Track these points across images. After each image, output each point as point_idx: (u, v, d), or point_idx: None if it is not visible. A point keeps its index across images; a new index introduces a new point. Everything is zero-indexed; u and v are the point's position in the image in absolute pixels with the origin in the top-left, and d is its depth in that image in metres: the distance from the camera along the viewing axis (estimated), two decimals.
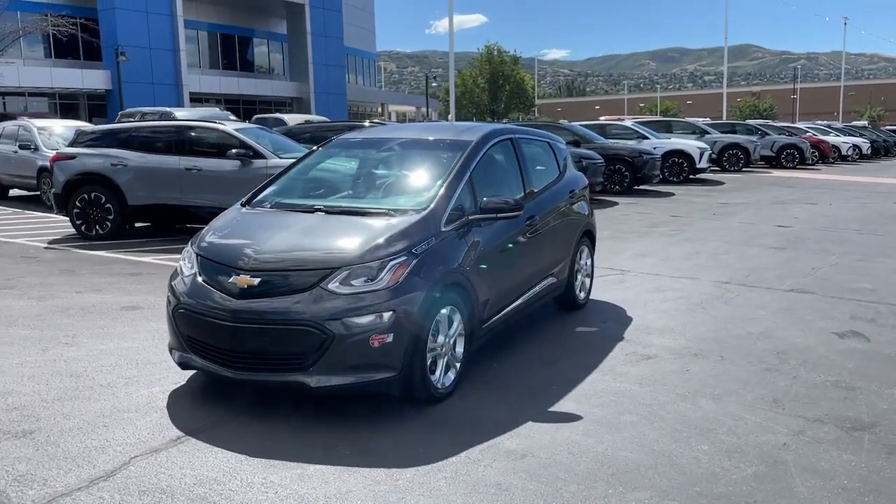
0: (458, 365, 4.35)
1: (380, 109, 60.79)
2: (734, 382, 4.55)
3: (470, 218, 4.52)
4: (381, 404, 4.08)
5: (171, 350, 4.25)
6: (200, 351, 4.00)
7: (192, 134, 10.25)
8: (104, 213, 9.96)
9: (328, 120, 21.40)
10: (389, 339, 3.77)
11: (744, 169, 24.23)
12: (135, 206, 9.89)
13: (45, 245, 9.74)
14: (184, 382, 4.42)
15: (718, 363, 4.94)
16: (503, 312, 4.89)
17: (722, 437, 3.74)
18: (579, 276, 6.31)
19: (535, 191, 5.53)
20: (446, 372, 4.26)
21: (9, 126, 15.36)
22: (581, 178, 6.55)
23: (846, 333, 5.62)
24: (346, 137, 5.60)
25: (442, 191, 4.48)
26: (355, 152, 5.40)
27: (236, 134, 9.81)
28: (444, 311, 4.15)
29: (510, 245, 4.97)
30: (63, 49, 39.23)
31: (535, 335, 5.59)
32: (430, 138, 5.28)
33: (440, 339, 4.15)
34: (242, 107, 47.91)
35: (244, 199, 4.86)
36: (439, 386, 4.16)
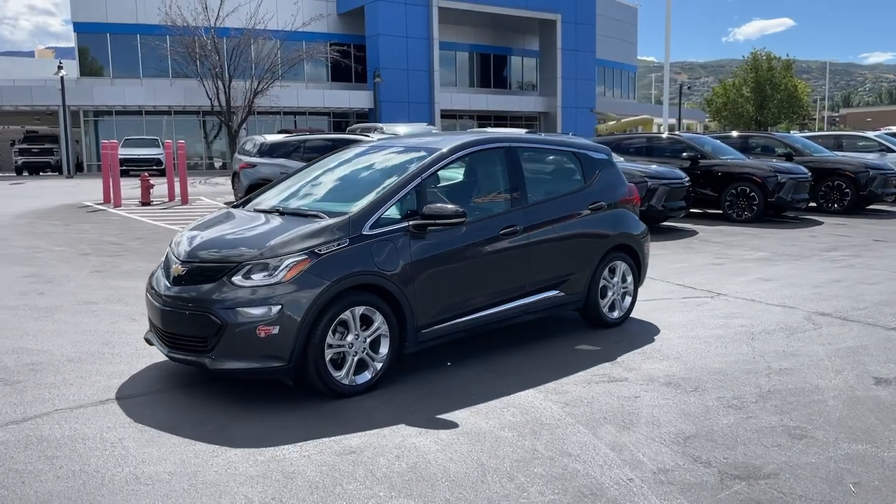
0: (378, 365, 4.52)
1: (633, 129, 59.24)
2: (669, 416, 4.13)
3: (410, 223, 4.65)
4: (298, 392, 4.40)
5: None
6: (152, 329, 4.67)
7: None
8: None
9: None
10: (275, 330, 4.10)
11: None
12: None
13: None
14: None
15: (680, 395, 4.49)
16: (458, 321, 4.92)
17: (558, 467, 3.50)
18: (609, 294, 6.01)
19: (529, 201, 5.42)
20: (361, 370, 4.46)
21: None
22: (620, 191, 6.20)
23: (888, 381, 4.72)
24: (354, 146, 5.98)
25: (373, 196, 4.68)
26: (346, 158, 5.71)
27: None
28: (356, 310, 4.36)
29: (474, 253, 4.98)
30: (339, 73, 44.27)
31: (521, 348, 5.48)
32: (402, 147, 5.44)
33: (349, 337, 4.36)
34: (494, 122, 50.04)
35: (238, 202, 5.47)
36: (346, 382, 4.37)
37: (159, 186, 19.35)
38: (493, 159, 5.45)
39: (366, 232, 4.48)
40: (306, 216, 4.69)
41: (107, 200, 18.29)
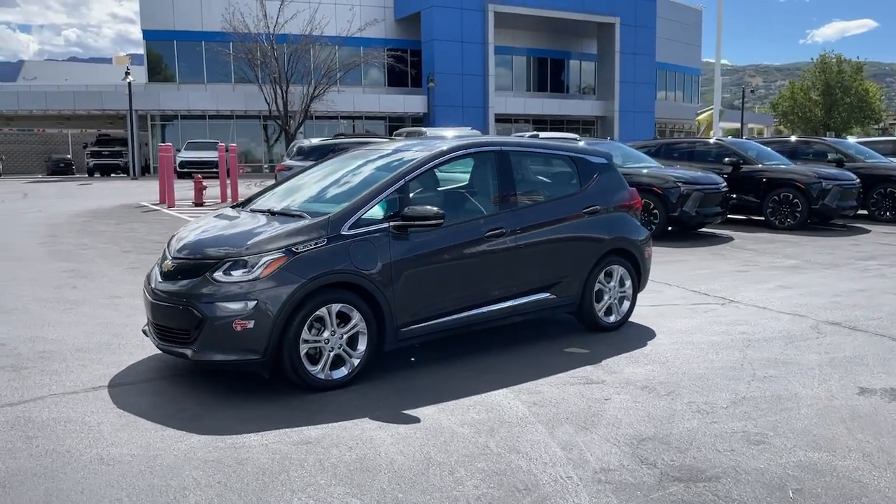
0: (355, 362, 4.67)
1: (696, 126, 58.18)
2: (632, 418, 4.15)
3: (391, 224, 4.79)
4: (279, 385, 4.58)
5: None
6: (148, 322, 4.94)
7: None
8: None
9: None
10: (251, 325, 4.30)
11: None
12: None
13: None
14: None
15: (651, 399, 4.49)
16: (440, 321, 5.03)
17: (503, 463, 3.57)
18: (606, 298, 6.03)
19: (519, 204, 5.49)
20: (338, 366, 4.62)
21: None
22: (619, 196, 6.20)
23: (874, 392, 4.62)
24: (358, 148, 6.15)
25: (354, 198, 4.83)
26: (347, 161, 5.88)
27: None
28: (332, 307, 4.52)
29: (458, 255, 5.08)
30: (395, 78, 44.89)
31: (508, 348, 5.55)
32: (395, 151, 5.56)
33: (325, 334, 4.53)
34: (550, 127, 49.83)
35: (239, 202, 5.70)
36: (322, 377, 4.54)
37: (212, 188, 20.02)
38: (482, 163, 5.55)
39: (344, 232, 4.64)
40: (292, 216, 4.88)
41: (162, 201, 19.04)
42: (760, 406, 4.34)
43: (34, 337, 5.79)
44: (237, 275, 4.40)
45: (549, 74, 51.81)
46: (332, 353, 4.58)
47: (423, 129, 19.79)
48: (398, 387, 4.70)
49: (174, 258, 4.69)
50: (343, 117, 43.43)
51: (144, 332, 5.03)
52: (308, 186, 5.55)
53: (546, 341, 5.80)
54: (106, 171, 41.37)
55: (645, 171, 12.57)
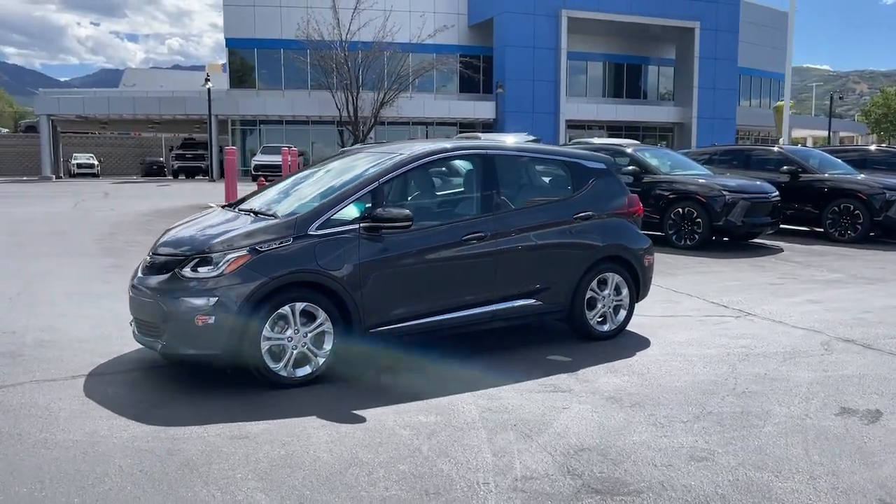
0: (320, 360, 4.73)
1: (780, 134, 55.75)
2: (582, 428, 4.05)
3: (361, 225, 4.83)
4: (245, 378, 4.69)
5: None
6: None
7: None
8: None
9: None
10: (211, 320, 4.42)
11: None
12: None
13: None
14: None
15: (611, 410, 4.37)
16: (412, 323, 5.03)
17: (426, 466, 3.54)
18: (599, 306, 5.89)
19: (502, 208, 5.43)
20: (302, 364, 4.69)
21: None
22: (616, 202, 6.03)
23: (854, 412, 4.35)
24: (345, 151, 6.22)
25: (324, 200, 4.90)
26: (334, 162, 5.94)
27: None
28: (295, 306, 4.60)
29: (432, 258, 5.08)
30: (467, 84, 45.06)
31: (489, 353, 5.50)
32: (381, 153, 5.58)
33: (288, 332, 4.61)
34: (625, 133, 48.97)
35: (230, 202, 5.85)
36: (284, 374, 4.62)
37: None
38: (464, 167, 5.53)
39: (312, 232, 4.71)
40: (267, 216, 4.99)
41: (228, 201, 19.73)
42: (723, 422, 4.16)
43: (45, 327, 6.11)
44: (203, 271, 4.53)
45: (625, 80, 50.89)
46: (295, 352, 4.65)
47: (479, 134, 19.78)
48: (360, 387, 4.74)
49: (152, 254, 4.88)
50: (414, 123, 43.90)
51: (130, 324, 5.24)
52: (298, 187, 5.65)
53: (531, 348, 5.71)
54: (190, 174, 43.29)
55: (690, 178, 12.20)
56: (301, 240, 4.67)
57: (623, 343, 5.89)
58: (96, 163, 48.23)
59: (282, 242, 4.62)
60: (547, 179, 6.05)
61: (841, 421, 4.19)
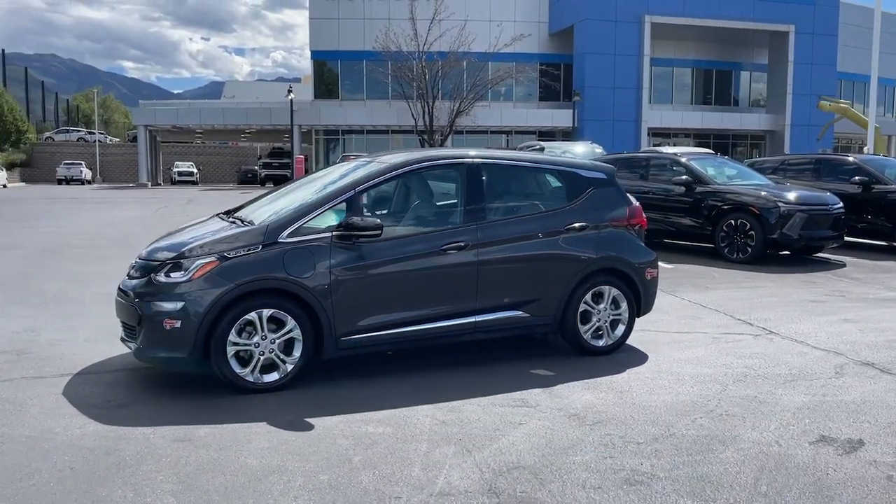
0: (289, 367, 4.78)
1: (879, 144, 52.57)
2: (527, 445, 3.93)
3: (333, 234, 4.87)
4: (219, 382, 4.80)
5: None
6: None
7: None
8: None
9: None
10: (178, 324, 4.54)
11: None
12: None
13: None
14: None
15: (569, 428, 4.22)
16: (387, 332, 5.02)
17: (347, 477, 3.51)
18: (594, 320, 5.71)
19: (487, 218, 5.34)
20: (271, 370, 4.75)
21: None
22: (615, 213, 5.82)
23: (824, 441, 4.04)
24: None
25: (295, 207, 4.96)
26: (323, 172, 5.99)
27: None
28: (263, 312, 4.67)
29: (409, 267, 5.05)
30: (546, 92, 44.78)
31: (471, 365, 5.42)
32: (365, 163, 5.58)
33: (255, 338, 4.68)
34: (713, 141, 47.41)
35: (226, 211, 5.99)
36: (251, 379, 4.69)
37: None
38: (447, 176, 5.48)
39: (282, 240, 4.77)
40: (246, 223, 5.10)
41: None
42: (681, 445, 3.94)
43: (63, 327, 6.45)
44: (174, 276, 4.66)
45: (714, 86, 49.26)
46: (262, 358, 4.71)
47: (541, 143, 19.58)
48: (324, 394, 4.76)
49: (137, 259, 5.06)
50: (493, 132, 43.92)
51: None
52: (287, 195, 5.74)
53: (517, 362, 5.59)
54: (277, 181, 44.83)
55: (745, 189, 11.66)
56: (270, 247, 4.74)
57: (618, 359, 5.68)
58: (195, 171, 50.73)
59: (250, 250, 4.71)
60: (539, 189, 5.91)
61: (812, 450, 3.90)
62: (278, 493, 3.33)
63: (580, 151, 19.35)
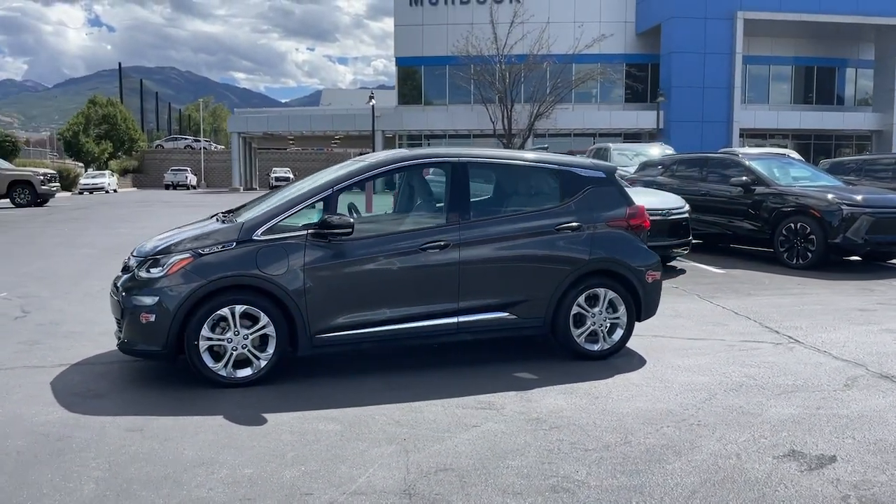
0: (262, 363, 4.85)
1: None
2: (466, 449, 3.84)
3: (309, 232, 4.91)
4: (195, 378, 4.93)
5: None
6: None
7: None
8: None
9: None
10: (152, 318, 4.69)
11: None
12: None
13: None
14: None
15: (521, 434, 4.08)
16: (364, 331, 5.01)
17: (236, 472, 3.52)
18: (588, 323, 5.52)
19: (471, 218, 5.25)
20: (244, 365, 4.84)
21: None
22: (613, 213, 5.58)
23: (792, 455, 3.74)
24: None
25: (273, 206, 5.02)
26: (315, 174, 6.03)
27: None
28: (235, 308, 4.76)
29: (386, 266, 5.04)
30: (633, 93, 43.76)
31: (455, 366, 5.34)
32: (352, 162, 5.59)
33: (228, 334, 4.77)
34: (814, 143, 45.14)
35: (227, 210, 6.14)
36: (224, 374, 4.79)
37: None
38: (433, 175, 5.41)
39: (256, 237, 4.85)
40: (224, 221, 5.22)
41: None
42: (631, 455, 3.75)
43: (86, 320, 6.79)
44: (153, 272, 4.82)
45: (815, 84, 46.78)
46: (235, 353, 4.80)
47: (610, 145, 19.14)
48: (294, 390, 4.79)
49: (130, 255, 5.26)
50: (576, 134, 43.27)
51: None
52: (279, 194, 5.83)
53: (503, 364, 5.46)
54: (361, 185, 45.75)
55: (809, 191, 10.99)
56: (245, 245, 4.83)
57: (613, 364, 5.46)
58: (292, 176, 52.58)
59: (224, 247, 4.81)
60: (529, 188, 5.75)
61: (773, 464, 3.62)
62: (195, 484, 3.37)
63: (654, 153, 18.84)
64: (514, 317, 5.35)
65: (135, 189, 51.28)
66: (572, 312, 5.47)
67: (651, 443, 3.91)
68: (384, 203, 5.72)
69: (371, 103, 38.69)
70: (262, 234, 4.88)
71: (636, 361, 5.55)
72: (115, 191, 43.85)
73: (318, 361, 5.43)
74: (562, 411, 4.43)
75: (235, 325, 4.79)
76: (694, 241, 12.88)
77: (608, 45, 40.45)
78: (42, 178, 26.99)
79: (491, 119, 36.92)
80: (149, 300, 4.73)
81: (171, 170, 52.53)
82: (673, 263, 10.95)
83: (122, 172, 56.40)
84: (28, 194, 26.35)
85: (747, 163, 11.83)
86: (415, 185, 5.66)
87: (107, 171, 47.67)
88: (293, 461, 3.65)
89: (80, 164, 51.82)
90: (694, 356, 5.71)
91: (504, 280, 5.30)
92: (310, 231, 4.91)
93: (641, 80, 42.34)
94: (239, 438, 3.94)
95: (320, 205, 5.07)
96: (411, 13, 43.63)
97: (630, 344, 5.97)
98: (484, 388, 4.86)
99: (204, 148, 60.95)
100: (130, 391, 4.79)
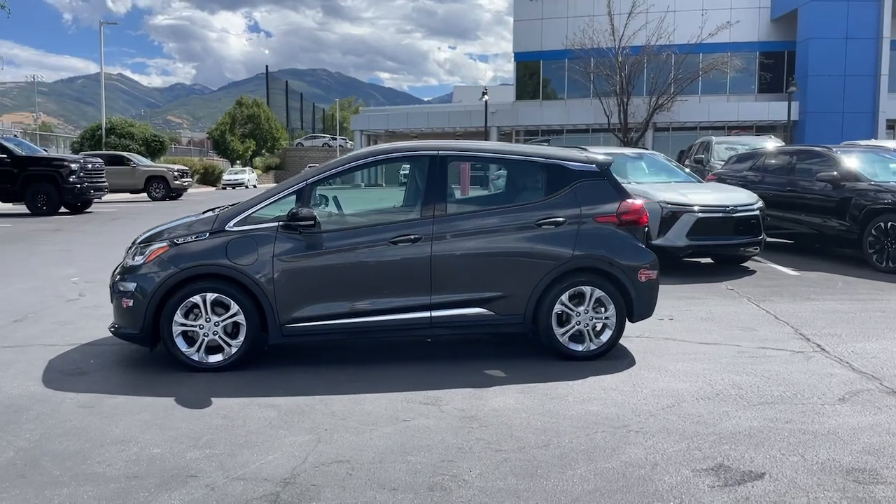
0: (233, 350, 5.03)
1: None
2: (392, 445, 3.82)
3: (279, 223, 5.05)
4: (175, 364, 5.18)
5: None
6: None
7: None
8: None
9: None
10: (131, 303, 4.99)
11: None
12: None
13: None
14: None
15: (463, 433, 4.00)
16: (333, 322, 5.07)
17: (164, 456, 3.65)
18: (573, 322, 5.31)
19: (448, 211, 5.18)
20: (215, 352, 5.04)
21: None
22: (604, 208, 5.29)
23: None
24: None
25: (249, 198, 5.18)
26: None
27: None
28: (207, 296, 4.97)
29: (356, 258, 5.08)
30: (766, 84, 41.17)
31: (429, 361, 5.29)
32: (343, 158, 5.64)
33: (200, 320, 4.99)
34: None
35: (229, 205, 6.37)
36: (196, 358, 5.01)
37: None
38: (413, 169, 5.39)
39: (229, 228, 5.04)
40: (209, 212, 5.46)
41: None
42: (541, 458, 3.59)
43: (94, 304, 7.26)
44: (137, 260, 5.12)
45: None
46: (206, 339, 5.01)
47: (713, 138, 18.18)
48: (259, 377, 4.93)
49: (130, 244, 5.61)
50: (703, 128, 41.25)
51: None
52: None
53: (477, 360, 5.34)
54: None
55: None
56: (218, 235, 5.03)
57: (595, 365, 5.21)
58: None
59: (198, 237, 5.03)
60: (513, 182, 5.58)
61: (688, 477, 3.35)
62: (99, 461, 3.56)
63: (768, 147, 17.76)
64: (492, 313, 5.23)
65: (275, 184, 54.31)
66: (555, 311, 5.27)
67: (571, 447, 3.73)
68: (369, 197, 5.75)
69: (484, 99, 38.75)
70: (234, 226, 5.06)
71: (623, 364, 5.28)
72: (254, 186, 46.45)
73: (302, 352, 5.56)
74: (503, 411, 4.29)
75: (207, 313, 4.99)
76: (784, 242, 12.03)
77: (740, 32, 38.26)
78: (176, 174, 29.13)
79: (605, 113, 35.95)
80: (130, 286, 5.03)
81: (309, 166, 55.14)
82: (746, 264, 10.26)
83: (266, 169, 60.02)
84: (163, 189, 28.53)
85: (836, 156, 10.87)
86: (399, 178, 5.67)
87: (247, 168, 50.81)
88: (205, 444, 3.77)
89: (227, 161, 55.73)
90: (691, 361, 5.35)
91: (480, 275, 5.20)
92: (280, 223, 5.03)
93: (774, 68, 39.74)
94: (172, 420, 4.12)
95: (292, 197, 5.18)
96: (530, 7, 43.25)
97: (632, 346, 5.70)
98: (442, 383, 4.80)
99: (340, 145, 63.81)
100: (112, 371, 5.11)
